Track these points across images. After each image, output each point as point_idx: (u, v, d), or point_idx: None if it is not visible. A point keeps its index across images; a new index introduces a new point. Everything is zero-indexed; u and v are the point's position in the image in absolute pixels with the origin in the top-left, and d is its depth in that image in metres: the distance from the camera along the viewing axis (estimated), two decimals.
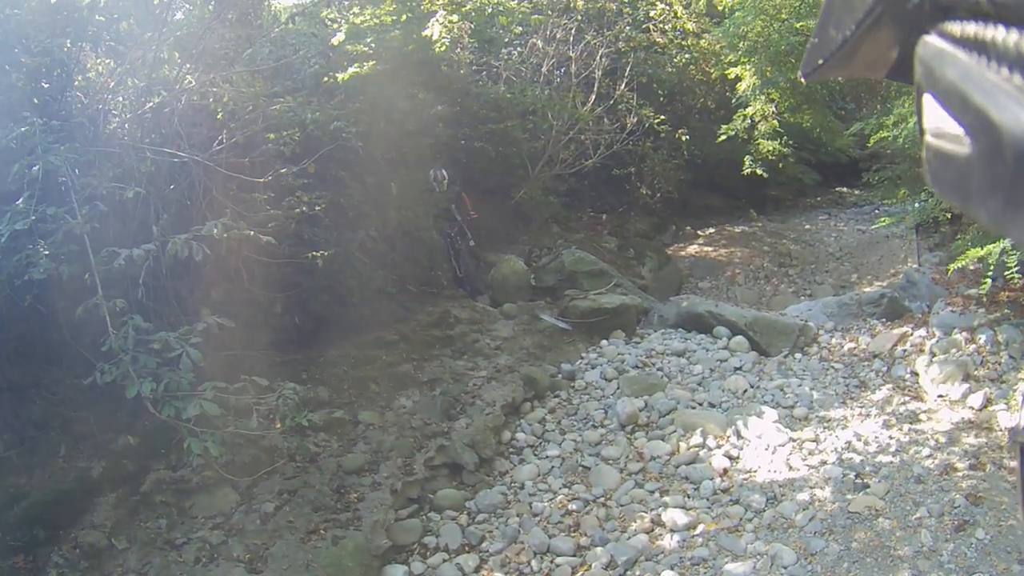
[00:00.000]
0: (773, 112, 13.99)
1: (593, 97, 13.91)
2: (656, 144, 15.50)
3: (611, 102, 14.09)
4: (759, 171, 14.62)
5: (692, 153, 16.05)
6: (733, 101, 14.44)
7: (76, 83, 7.19)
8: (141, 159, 6.92)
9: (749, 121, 14.12)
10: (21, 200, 5.83)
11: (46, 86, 6.95)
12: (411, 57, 11.12)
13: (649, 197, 16.13)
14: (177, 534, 6.49)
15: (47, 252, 5.72)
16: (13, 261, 5.66)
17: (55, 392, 7.02)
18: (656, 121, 14.55)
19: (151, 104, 7.27)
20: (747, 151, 14.69)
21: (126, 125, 7.33)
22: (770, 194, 18.10)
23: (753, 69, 13.62)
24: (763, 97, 13.71)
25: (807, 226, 17.15)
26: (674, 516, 6.87)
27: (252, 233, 6.61)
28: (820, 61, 0.77)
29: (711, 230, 17.14)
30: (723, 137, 14.50)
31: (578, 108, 13.71)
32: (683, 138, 15.50)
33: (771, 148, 14.30)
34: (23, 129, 6.18)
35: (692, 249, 16.19)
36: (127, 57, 7.13)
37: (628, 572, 6.41)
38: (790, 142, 14.60)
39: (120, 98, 7.39)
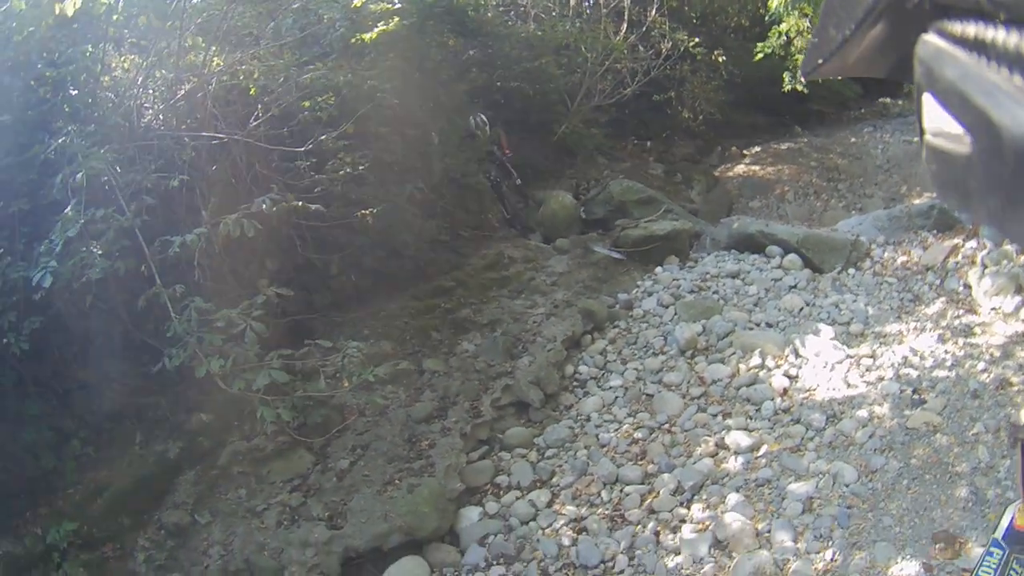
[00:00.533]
0: (808, 27, 13.72)
1: (625, 26, 13.80)
2: (693, 67, 15.34)
3: (643, 29, 13.97)
4: (799, 87, 14.42)
5: (731, 73, 15.85)
6: (766, 18, 14.20)
7: (104, 84, 7.31)
8: (181, 147, 7.06)
9: (784, 37, 13.88)
10: (70, 208, 5.97)
11: (74, 93, 7.07)
12: (437, 7, 11.14)
13: (691, 120, 16.01)
14: (257, 501, 6.72)
15: (100, 252, 5.87)
16: (69, 266, 5.80)
17: (125, 383, 7.21)
18: (691, 44, 14.40)
19: (182, 92, 7.38)
20: (785, 67, 14.48)
21: (160, 116, 7.45)
22: (813, 109, 17.83)
23: None
24: (796, 12, 13.43)
25: (852, 139, 16.87)
26: (737, 438, 6.98)
27: (300, 203, 6.75)
28: (820, 60, 0.79)
29: (756, 149, 16.96)
30: (760, 56, 14.29)
31: (611, 38, 13.61)
32: (720, 59, 15.33)
33: None
34: (61, 140, 6.32)
35: (739, 169, 16.06)
36: (151, 50, 7.22)
37: (695, 496, 6.55)
38: None
39: (150, 91, 7.48)
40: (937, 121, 0.61)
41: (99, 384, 7.14)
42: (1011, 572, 2.75)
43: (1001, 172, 0.52)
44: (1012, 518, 2.83)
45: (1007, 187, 0.52)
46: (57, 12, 5.99)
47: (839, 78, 15.50)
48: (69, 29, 6.99)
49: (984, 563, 2.78)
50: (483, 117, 11.64)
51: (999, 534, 2.85)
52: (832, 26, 0.75)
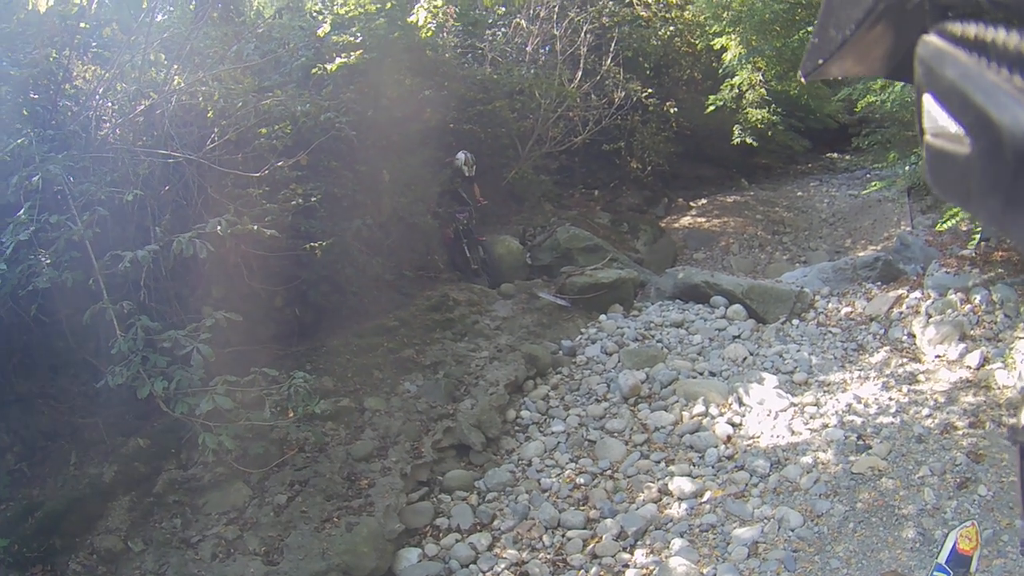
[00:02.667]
0: (760, 80, 14.03)
1: (579, 73, 13.93)
2: (644, 118, 15.53)
3: (598, 78, 14.10)
4: (749, 140, 14.68)
5: (681, 125, 16.10)
6: (720, 71, 14.46)
7: (65, 91, 7.20)
8: (137, 162, 6.94)
9: (737, 91, 14.16)
10: (23, 211, 5.85)
11: (35, 97, 6.95)
12: (397, 44, 11.11)
13: (640, 171, 16.17)
14: (192, 532, 6.55)
15: (49, 261, 5.75)
16: (16, 272, 5.68)
17: (62, 401, 7.06)
18: (643, 95, 14.58)
19: (141, 107, 7.28)
20: (736, 120, 14.74)
21: (117, 130, 7.34)
22: (760, 162, 18.16)
23: (738, 39, 13.63)
24: (749, 66, 13.74)
25: (799, 193, 17.22)
26: (681, 484, 6.98)
27: (256, 227, 6.64)
28: (820, 61, 0.78)
29: (703, 201, 17.19)
30: (711, 108, 14.53)
31: (565, 85, 13.71)
32: (671, 110, 15.53)
33: (760, 117, 14.35)
34: (19, 141, 6.20)
35: (685, 221, 16.25)
36: (114, 62, 7.13)
37: (639, 541, 6.54)
38: (778, 110, 14.64)
39: (109, 103, 7.39)
40: (937, 121, 0.60)
41: (37, 399, 6.96)
42: None
43: (1001, 172, 0.52)
44: (955, 542, 2.86)
45: (1007, 187, 0.52)
46: (30, 7, 5.86)
47: (788, 136, 15.91)
48: (39, 29, 6.86)
49: None
50: (471, 155, 11.66)
51: (942, 558, 2.87)
52: (832, 26, 0.74)
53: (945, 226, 8.88)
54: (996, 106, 0.51)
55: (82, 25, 6.95)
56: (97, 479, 6.82)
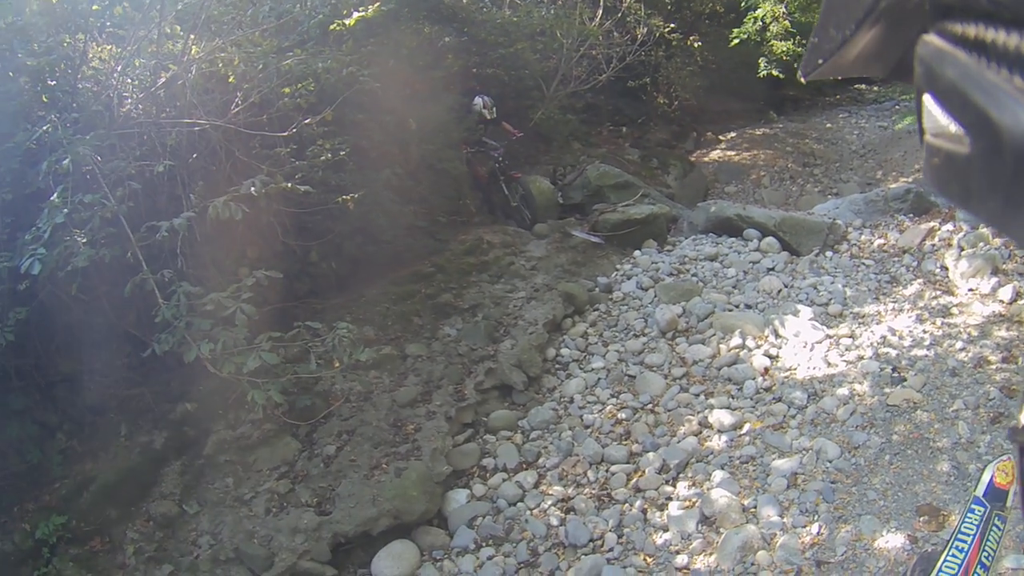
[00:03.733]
0: (784, 12, 13.83)
1: (600, 11, 13.78)
2: (668, 53, 15.39)
3: (619, 15, 13.96)
4: (775, 72, 14.52)
5: (706, 59, 15.95)
6: (742, 4, 14.27)
7: (83, 73, 7.25)
8: (164, 134, 7.00)
9: (760, 23, 13.97)
10: (56, 195, 5.93)
11: (53, 83, 7.00)
12: None
13: (667, 106, 16.07)
14: (245, 489, 6.72)
15: (85, 240, 5.83)
16: (55, 255, 5.75)
17: (107, 375, 7.16)
18: (666, 30, 14.42)
19: (162, 80, 7.32)
20: (761, 53, 14.56)
21: (139, 105, 7.36)
22: (788, 95, 17.97)
23: None
24: None
25: (828, 125, 17.02)
26: (720, 417, 7.06)
27: (289, 185, 6.71)
28: (820, 61, 0.79)
29: (732, 134, 17.05)
30: (735, 41, 14.38)
31: (586, 24, 13.57)
32: (695, 45, 15.38)
33: (785, 48, 14.18)
34: (44, 128, 6.29)
35: (715, 154, 16.15)
36: (130, 39, 7.16)
37: (680, 474, 6.64)
38: (803, 42, 14.40)
39: (129, 80, 7.40)
40: (937, 121, 0.60)
41: (82, 376, 7.08)
42: (993, 528, 2.81)
43: (1001, 172, 0.52)
44: (992, 476, 2.90)
45: (1007, 187, 0.51)
46: None
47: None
48: (51, 18, 6.91)
49: (966, 520, 2.84)
50: (489, 98, 11.57)
51: (980, 491, 2.91)
52: (832, 26, 0.75)
53: None
54: (996, 106, 0.51)
55: (94, 7, 6.97)
56: (148, 447, 7.00)
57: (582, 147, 14.08)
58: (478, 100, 11.50)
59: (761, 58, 14.60)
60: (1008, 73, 0.51)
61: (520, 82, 13.12)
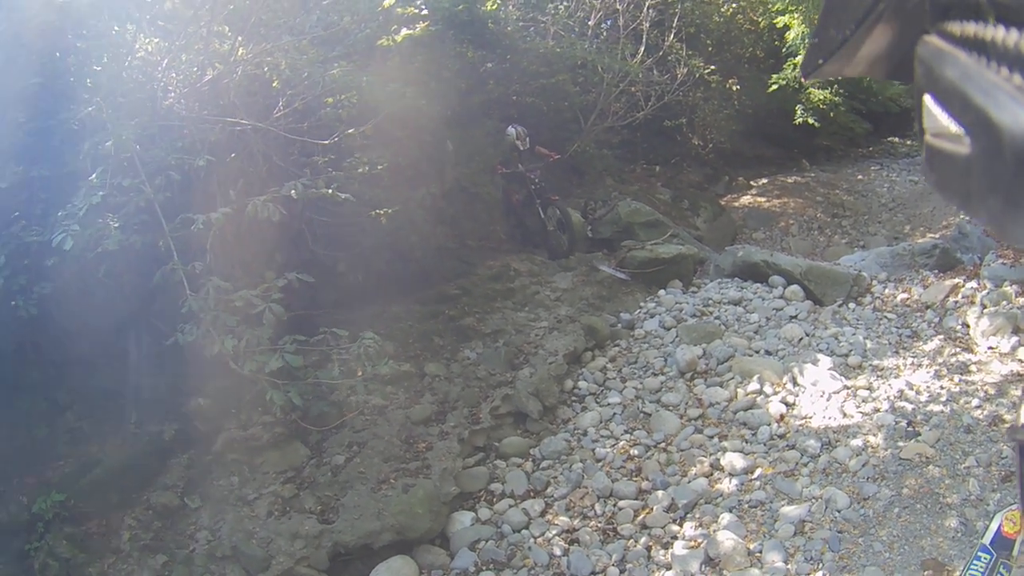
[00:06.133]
0: None
1: (642, 49, 13.84)
2: (706, 95, 15.45)
3: (660, 53, 14.00)
4: (811, 120, 14.58)
5: (743, 103, 15.98)
6: (783, 50, 14.34)
7: (128, 63, 7.38)
8: (206, 129, 7.11)
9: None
10: (95, 175, 6.03)
11: (98, 69, 7.13)
12: (460, 16, 11.20)
13: (701, 148, 16.14)
14: (249, 490, 6.78)
15: (117, 224, 5.91)
16: (87, 235, 5.82)
17: (124, 361, 7.23)
18: (706, 71, 14.51)
19: (208, 78, 7.44)
20: (798, 101, 14.62)
21: (182, 100, 7.49)
22: (822, 144, 17.97)
23: (801, 17, 13.51)
24: None
25: (859, 176, 17.01)
26: (732, 460, 7.06)
27: (331, 191, 6.80)
28: (820, 60, 0.81)
29: (764, 180, 17.07)
30: (774, 87, 14.43)
31: (627, 60, 13.64)
32: (733, 88, 15.45)
33: (822, 97, 14.24)
34: (89, 109, 6.40)
35: (745, 200, 16.17)
36: (178, 34, 7.29)
37: (688, 514, 6.64)
38: (841, 91, 14.53)
39: (174, 74, 7.52)
40: (937, 121, 0.61)
41: (98, 359, 7.16)
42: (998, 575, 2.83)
43: (1001, 172, 0.52)
44: (1000, 525, 2.92)
45: (1007, 187, 0.52)
46: None
47: (850, 118, 15.68)
48: (103, 4, 7.04)
49: (972, 567, 2.86)
50: (523, 129, 11.55)
51: (987, 539, 2.93)
52: (832, 26, 0.77)
53: None
54: (996, 106, 0.52)
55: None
56: (157, 437, 7.07)
57: (615, 183, 14.15)
58: (511, 130, 11.51)
59: (798, 105, 14.66)
60: (1008, 73, 0.52)
61: (559, 113, 13.22)
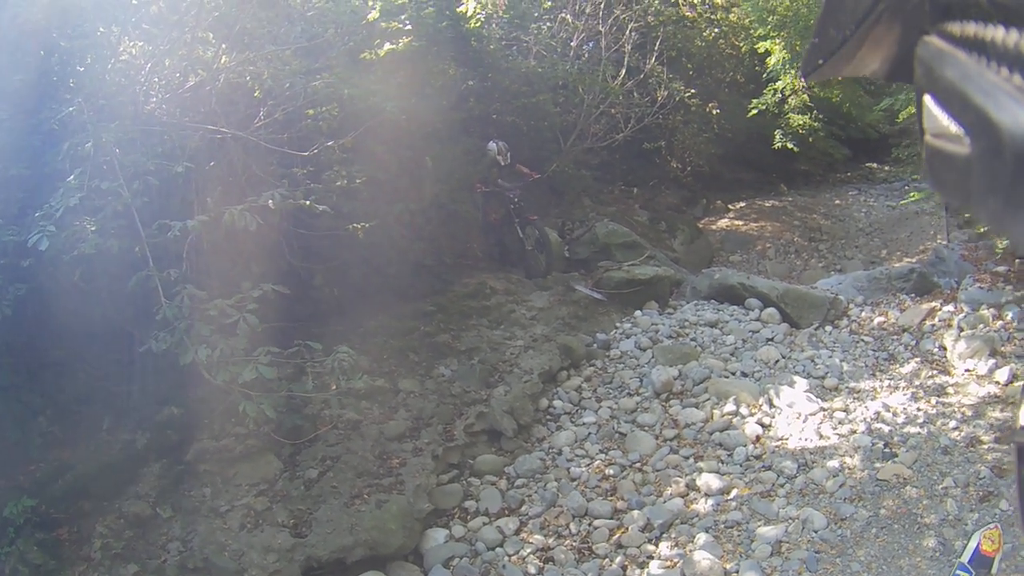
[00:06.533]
0: (803, 86, 13.99)
1: (623, 71, 13.89)
2: (686, 118, 15.51)
3: (641, 76, 14.08)
4: (790, 145, 14.66)
5: (722, 127, 16.04)
6: (763, 76, 14.44)
7: (111, 65, 7.32)
8: (186, 136, 7.06)
9: (779, 95, 14.13)
10: (73, 176, 5.95)
11: (81, 70, 7.07)
12: (444, 33, 11.19)
13: (680, 171, 16.19)
14: (221, 502, 6.69)
15: (94, 228, 5.83)
16: (63, 237, 5.75)
17: (97, 367, 7.15)
18: (686, 95, 14.57)
19: (190, 84, 7.40)
20: (777, 125, 14.71)
21: (164, 105, 7.45)
22: (800, 169, 18.06)
23: (782, 43, 13.61)
24: (793, 71, 13.70)
25: (837, 201, 17.14)
26: (708, 481, 7.05)
27: (308, 203, 6.75)
28: (820, 61, 0.79)
29: (741, 204, 17.15)
30: (754, 111, 14.52)
31: (608, 82, 13.66)
32: (713, 112, 15.52)
33: (801, 122, 14.32)
34: (70, 109, 6.33)
35: (723, 223, 16.24)
36: (162, 39, 7.25)
37: (664, 534, 6.61)
38: (820, 117, 14.62)
39: (156, 79, 7.48)
40: (937, 121, 0.60)
41: (72, 363, 7.07)
42: None
43: (1001, 172, 0.51)
44: (978, 543, 2.91)
45: (1007, 187, 0.51)
46: None
47: (829, 144, 15.81)
48: (90, 4, 6.98)
49: None
50: (504, 144, 11.47)
51: (965, 558, 2.92)
52: (832, 26, 0.75)
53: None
54: (996, 106, 0.51)
55: (133, 1, 7.06)
56: (129, 445, 6.98)
57: (592, 204, 14.15)
58: (492, 145, 11.44)
59: (777, 130, 14.74)
60: (1008, 73, 0.51)
61: (538, 133, 13.20)
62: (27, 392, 6.90)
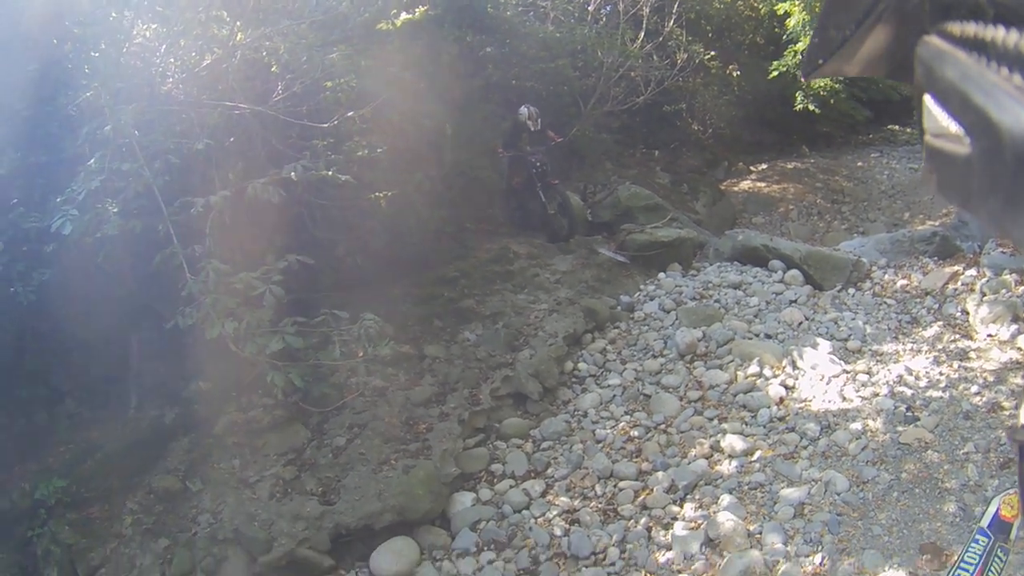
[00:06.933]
0: None
1: (642, 34, 13.81)
2: (706, 80, 15.44)
3: (660, 39, 13.98)
4: (811, 107, 14.53)
5: (743, 89, 15.96)
6: (783, 37, 14.30)
7: (126, 49, 7.34)
8: (204, 113, 7.09)
9: (800, 57, 13.99)
10: (93, 160, 5.99)
11: (95, 55, 7.10)
12: (459, 1, 11.18)
13: (701, 133, 16.12)
14: (250, 472, 6.79)
15: (116, 209, 5.88)
16: (86, 220, 5.80)
17: (123, 347, 7.26)
18: (706, 57, 14.48)
19: (206, 62, 7.41)
20: (798, 87, 14.57)
21: (181, 85, 7.47)
22: (822, 130, 17.92)
23: (802, 4, 13.45)
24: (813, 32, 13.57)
25: (859, 163, 16.99)
26: (732, 442, 7.07)
27: (330, 172, 6.77)
28: (820, 61, 0.80)
29: (763, 166, 17.05)
30: (775, 73, 14.39)
31: (627, 45, 13.59)
32: (733, 74, 15.42)
33: (823, 84, 14.18)
34: (87, 94, 6.37)
35: (745, 184, 16.16)
36: (176, 20, 7.26)
37: (688, 495, 6.65)
38: (841, 78, 14.45)
39: (172, 59, 7.51)
40: (937, 121, 0.61)
41: (98, 345, 7.15)
42: (995, 559, 2.84)
43: (1001, 172, 0.52)
44: (998, 508, 2.93)
45: (1007, 187, 0.51)
46: None
47: (850, 105, 15.65)
48: None
49: (969, 549, 2.87)
50: (535, 109, 11.36)
51: (985, 523, 2.94)
52: (832, 26, 0.76)
53: None
54: (996, 106, 0.51)
55: None
56: (157, 421, 7.09)
57: (614, 167, 14.12)
58: (524, 110, 11.35)
59: (798, 92, 14.61)
60: (1008, 73, 0.52)
61: (558, 98, 13.17)
62: (54, 375, 7.04)
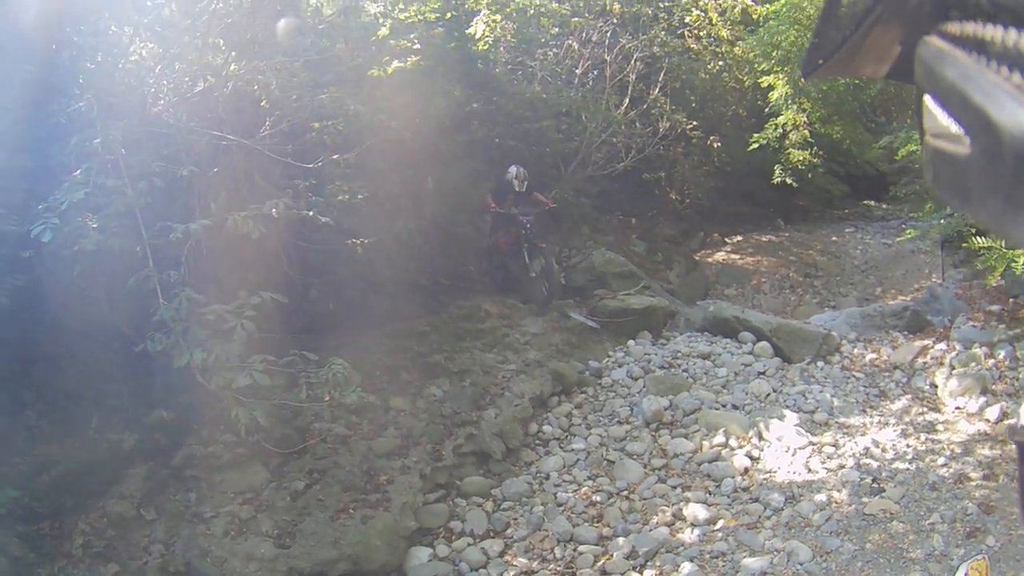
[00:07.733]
0: (804, 122, 14.04)
1: (627, 100, 13.96)
2: (687, 150, 15.58)
3: (644, 106, 14.13)
4: (789, 180, 14.68)
5: (722, 160, 16.10)
6: (765, 110, 14.50)
7: (120, 65, 7.36)
8: (192, 140, 7.09)
9: (780, 130, 14.18)
10: (79, 172, 5.96)
11: (91, 67, 7.10)
12: (451, 54, 11.28)
13: (678, 203, 16.22)
14: (206, 508, 6.67)
15: (96, 225, 5.84)
16: (65, 231, 5.76)
17: (90, 365, 7.12)
18: (688, 127, 14.64)
19: (199, 88, 7.44)
20: (777, 160, 14.74)
21: (171, 108, 7.50)
22: (798, 204, 18.10)
23: (786, 78, 13.65)
24: (795, 107, 13.76)
25: (834, 238, 17.18)
26: (695, 511, 7.03)
27: (312, 213, 6.78)
28: (820, 61, 0.80)
29: (738, 238, 17.18)
30: (755, 145, 14.55)
31: (612, 110, 13.71)
32: (714, 145, 15.59)
33: (801, 158, 14.34)
34: (80, 105, 6.36)
35: (719, 256, 16.26)
36: (174, 42, 7.29)
37: (649, 562, 6.58)
38: (820, 153, 14.64)
39: (165, 81, 7.54)
40: (937, 121, 0.61)
41: (64, 359, 7.04)
42: None
43: (1001, 172, 0.52)
44: (965, 574, 2.91)
45: (1007, 187, 0.51)
46: None
47: (828, 180, 15.86)
48: (107, 3, 7.03)
49: None
50: (524, 170, 11.35)
51: None
52: (832, 26, 0.76)
53: (985, 270, 8.94)
54: (996, 106, 0.51)
55: (147, 3, 7.11)
56: (116, 445, 6.96)
57: (591, 232, 14.16)
58: (513, 169, 11.35)
59: (777, 165, 14.77)
60: (1008, 73, 0.52)
61: (540, 159, 13.22)
62: (17, 384, 6.89)
